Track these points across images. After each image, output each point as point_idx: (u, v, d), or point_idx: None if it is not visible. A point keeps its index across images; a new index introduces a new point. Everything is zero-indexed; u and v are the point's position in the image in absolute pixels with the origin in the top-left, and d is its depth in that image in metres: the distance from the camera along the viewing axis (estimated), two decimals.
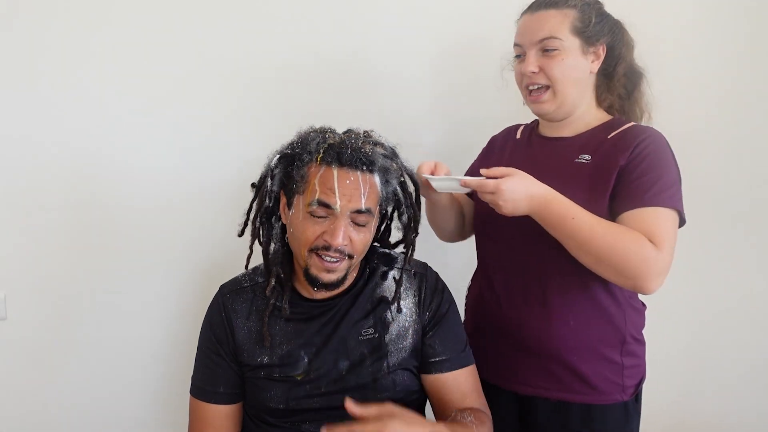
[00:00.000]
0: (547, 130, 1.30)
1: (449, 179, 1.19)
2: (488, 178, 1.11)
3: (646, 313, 1.30)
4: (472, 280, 1.42)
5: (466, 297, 1.42)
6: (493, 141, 1.44)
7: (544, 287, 1.22)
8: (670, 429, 1.76)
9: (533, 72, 1.20)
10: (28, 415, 1.56)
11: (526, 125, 1.38)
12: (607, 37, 1.22)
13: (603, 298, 1.21)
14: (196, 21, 1.49)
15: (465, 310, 1.42)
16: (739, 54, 1.60)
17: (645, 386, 1.30)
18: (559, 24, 1.18)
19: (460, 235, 1.46)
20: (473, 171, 1.41)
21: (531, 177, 1.11)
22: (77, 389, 1.58)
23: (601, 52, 1.22)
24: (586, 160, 1.20)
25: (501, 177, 1.09)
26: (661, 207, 1.11)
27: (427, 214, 1.41)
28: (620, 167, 1.15)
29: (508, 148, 1.36)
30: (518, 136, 1.37)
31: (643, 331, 1.29)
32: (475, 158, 1.47)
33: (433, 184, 1.19)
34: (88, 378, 1.58)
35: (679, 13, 1.59)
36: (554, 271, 1.21)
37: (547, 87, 1.21)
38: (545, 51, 1.19)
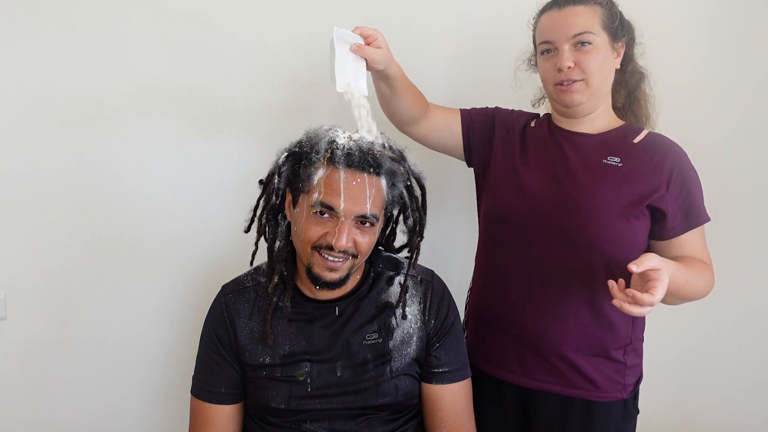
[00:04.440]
0: (565, 125, 1.30)
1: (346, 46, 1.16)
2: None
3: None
4: (476, 267, 1.40)
5: (470, 287, 1.41)
6: (501, 114, 1.40)
7: (558, 290, 1.22)
8: (670, 430, 1.76)
9: (570, 67, 1.20)
10: (28, 415, 1.55)
11: (538, 119, 1.37)
12: (626, 35, 1.25)
13: (614, 309, 1.20)
14: (198, 19, 1.50)
15: (468, 298, 1.42)
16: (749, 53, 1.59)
17: (644, 387, 1.32)
18: (591, 19, 1.19)
19: (410, 124, 1.37)
20: (470, 117, 1.38)
21: (660, 257, 1.08)
22: (77, 389, 1.57)
23: (622, 49, 1.24)
24: (615, 162, 1.22)
25: (651, 269, 1.05)
26: (701, 224, 1.22)
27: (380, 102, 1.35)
28: (660, 184, 1.18)
29: (529, 136, 1.34)
30: (533, 125, 1.36)
31: (644, 333, 1.32)
32: (473, 108, 1.41)
33: (335, 33, 1.15)
34: (88, 378, 1.57)
35: (682, 14, 1.58)
36: (571, 278, 1.21)
37: (580, 80, 1.21)
38: (579, 45, 1.19)
